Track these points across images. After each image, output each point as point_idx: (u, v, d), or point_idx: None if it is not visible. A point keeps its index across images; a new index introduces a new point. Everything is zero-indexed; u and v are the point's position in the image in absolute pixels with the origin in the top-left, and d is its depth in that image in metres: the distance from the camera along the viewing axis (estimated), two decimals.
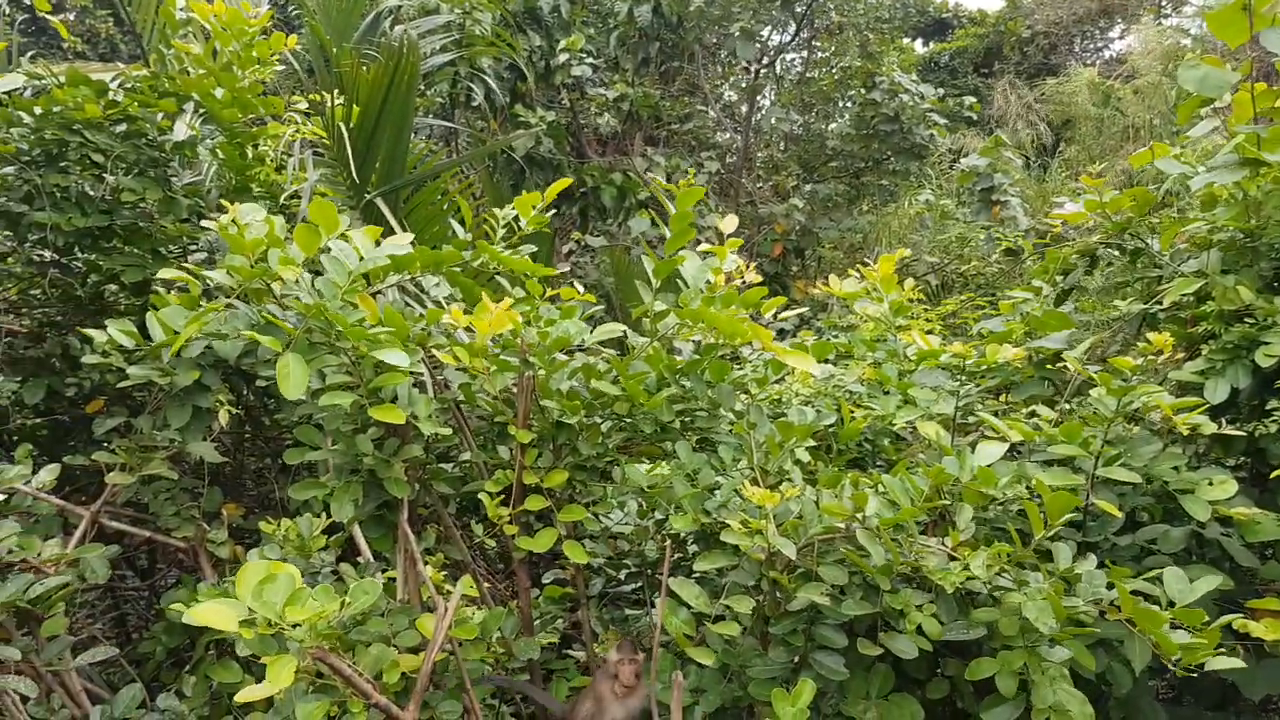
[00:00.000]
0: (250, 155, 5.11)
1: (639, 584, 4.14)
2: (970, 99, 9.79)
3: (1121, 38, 19.62)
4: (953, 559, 3.01)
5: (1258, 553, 3.37)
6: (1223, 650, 2.74)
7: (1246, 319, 3.73)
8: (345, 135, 5.32)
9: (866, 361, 4.51)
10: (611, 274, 8.74)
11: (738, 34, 11.23)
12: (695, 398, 3.64)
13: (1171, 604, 2.76)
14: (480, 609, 3.44)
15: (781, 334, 8.17)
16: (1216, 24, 4.60)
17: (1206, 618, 2.68)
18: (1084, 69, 16.25)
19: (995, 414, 3.87)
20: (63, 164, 4.27)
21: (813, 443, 3.72)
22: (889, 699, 3.01)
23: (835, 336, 4.81)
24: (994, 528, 3.37)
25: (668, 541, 3.28)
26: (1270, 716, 3.09)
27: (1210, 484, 3.23)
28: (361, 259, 3.04)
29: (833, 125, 11.80)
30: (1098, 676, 3.01)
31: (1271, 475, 3.22)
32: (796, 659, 3.07)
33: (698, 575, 3.33)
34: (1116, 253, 4.50)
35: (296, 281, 2.97)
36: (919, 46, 22.07)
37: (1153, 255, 4.40)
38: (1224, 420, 3.48)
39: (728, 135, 12.14)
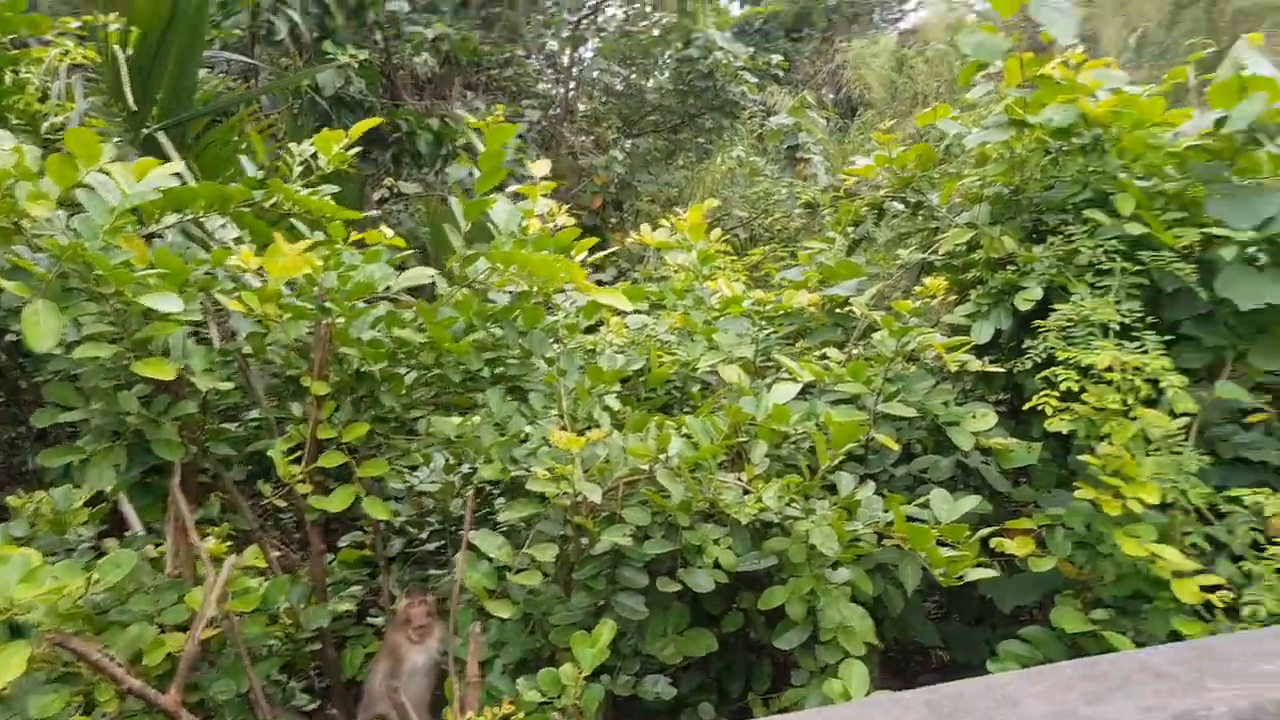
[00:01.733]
0: (9, 81, 4.59)
1: (443, 542, 4.10)
2: (777, 57, 10.13)
3: (916, 10, 20.83)
4: (748, 493, 3.17)
5: (1012, 478, 3.74)
6: (982, 563, 3.04)
7: (1009, 266, 4.08)
8: (122, 61, 4.86)
9: (677, 310, 4.64)
10: (427, 223, 8.50)
11: None
12: (507, 345, 3.63)
13: (939, 523, 3.02)
14: (269, 579, 3.29)
15: (599, 283, 8.23)
16: None
17: (968, 532, 2.95)
18: (883, 38, 17.17)
19: (792, 357, 4.08)
20: None
21: (620, 389, 3.81)
22: (685, 634, 3.14)
23: (650, 287, 4.89)
24: (787, 464, 3.56)
25: (469, 492, 3.26)
26: (1020, 626, 3.45)
27: (974, 417, 3.55)
28: (126, 195, 2.79)
29: (652, 81, 11.89)
30: (875, 600, 3.27)
31: (1024, 407, 3.58)
32: (599, 603, 3.15)
33: (505, 527, 3.34)
34: (901, 205, 4.81)
35: (49, 219, 2.70)
36: (735, 9, 22.54)
37: (932, 208, 4.73)
38: (987, 359, 3.81)
39: (550, 85, 12.00)
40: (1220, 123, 4.26)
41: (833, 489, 3.24)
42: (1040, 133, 4.46)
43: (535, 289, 3.72)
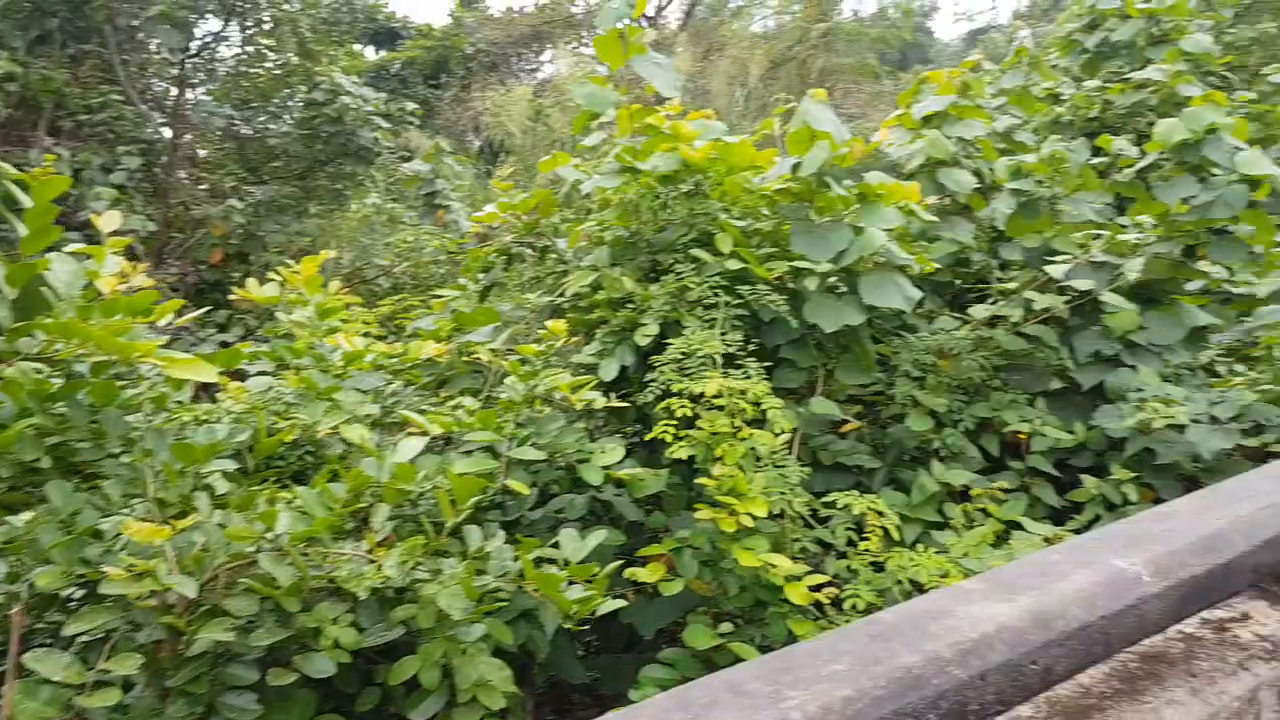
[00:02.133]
0: None
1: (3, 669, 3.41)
2: (411, 105, 10.03)
3: (551, 61, 21.81)
4: (374, 562, 2.96)
5: (646, 507, 3.87)
6: (618, 596, 3.08)
7: (629, 305, 4.26)
8: None
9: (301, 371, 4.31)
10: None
11: (158, 18, 10.10)
12: (75, 427, 3.11)
13: (569, 563, 3.02)
14: None
15: (224, 345, 7.53)
16: (601, 48, 5.24)
17: (596, 570, 2.97)
18: (521, 87, 17.76)
19: (422, 410, 3.93)
20: None
21: (233, 465, 3.43)
22: None
23: (266, 345, 4.49)
24: (421, 523, 3.40)
25: (16, 608, 2.72)
26: (661, 648, 3.56)
27: (603, 452, 3.62)
28: None
29: (282, 126, 11.24)
30: (521, 647, 3.20)
31: (648, 437, 3.72)
32: (203, 709, 2.76)
33: (92, 636, 2.84)
34: (530, 250, 4.87)
35: None
36: (371, 53, 22.15)
37: (560, 252, 4.84)
38: (613, 395, 3.93)
39: (156, 130, 10.89)
40: (797, 168, 4.77)
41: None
42: (649, 179, 4.73)
43: (113, 359, 3.25)
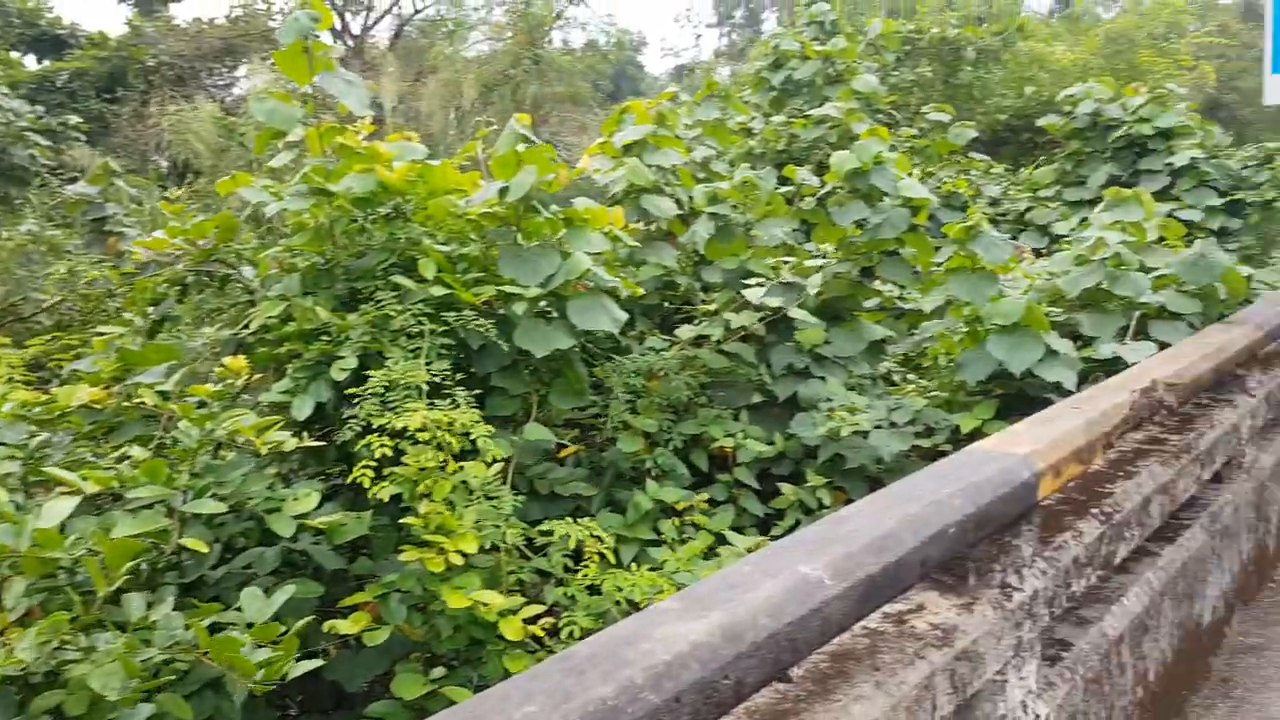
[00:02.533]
0: None
1: None
2: (74, 118, 8.91)
3: (247, 77, 20.42)
4: (6, 645, 2.49)
5: (350, 553, 3.59)
6: (320, 651, 2.81)
7: (324, 336, 3.97)
8: None
9: None
10: None
11: None
12: None
13: (251, 625, 2.71)
14: None
15: None
16: (284, 63, 4.88)
17: (283, 629, 2.68)
18: (211, 103, 16.41)
19: (81, 463, 3.41)
20: None
21: None
22: None
23: None
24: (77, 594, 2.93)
25: None
26: (379, 694, 3.30)
27: (295, 499, 3.32)
28: None
29: None
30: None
31: (347, 480, 3.46)
32: None
33: None
34: (209, 279, 4.42)
35: None
36: (32, 63, 19.58)
37: (246, 281, 4.43)
38: (307, 434, 3.62)
39: None
40: (504, 192, 4.70)
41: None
42: (343, 201, 4.45)
43: None
